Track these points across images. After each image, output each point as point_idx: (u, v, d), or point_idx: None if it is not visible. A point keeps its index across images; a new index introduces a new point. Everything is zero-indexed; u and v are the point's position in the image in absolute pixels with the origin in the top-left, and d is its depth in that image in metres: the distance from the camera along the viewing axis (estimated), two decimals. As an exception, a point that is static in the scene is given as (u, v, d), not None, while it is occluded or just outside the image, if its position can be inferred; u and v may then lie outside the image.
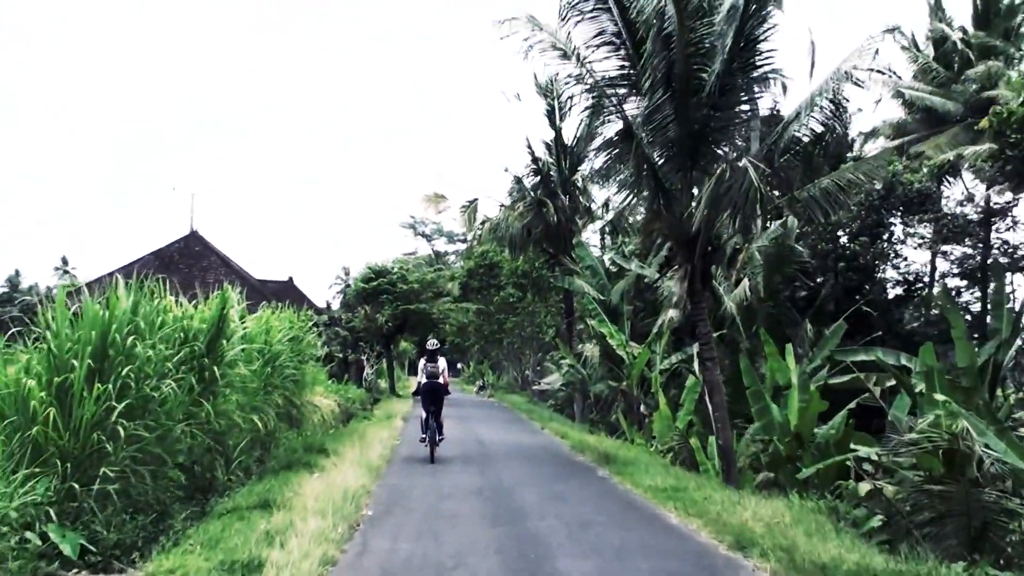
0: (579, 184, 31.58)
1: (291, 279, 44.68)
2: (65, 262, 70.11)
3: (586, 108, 16.44)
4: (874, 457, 12.56)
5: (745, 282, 20.83)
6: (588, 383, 28.04)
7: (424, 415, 14.89)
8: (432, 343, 15.59)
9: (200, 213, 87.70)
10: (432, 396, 14.88)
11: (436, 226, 77.57)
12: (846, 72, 13.28)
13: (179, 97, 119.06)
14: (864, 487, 11.75)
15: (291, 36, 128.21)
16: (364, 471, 12.06)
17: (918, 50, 28.78)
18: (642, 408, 23.46)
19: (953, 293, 24.50)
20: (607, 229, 32.97)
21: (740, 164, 12.80)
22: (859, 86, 13.39)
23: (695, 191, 14.88)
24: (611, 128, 16.09)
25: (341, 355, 37.30)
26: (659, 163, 15.06)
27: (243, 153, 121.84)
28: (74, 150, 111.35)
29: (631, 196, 16.58)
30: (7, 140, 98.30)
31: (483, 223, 32.95)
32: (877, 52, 13.33)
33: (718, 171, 13.27)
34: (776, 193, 15.93)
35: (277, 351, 14.43)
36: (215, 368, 10.54)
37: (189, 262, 34.00)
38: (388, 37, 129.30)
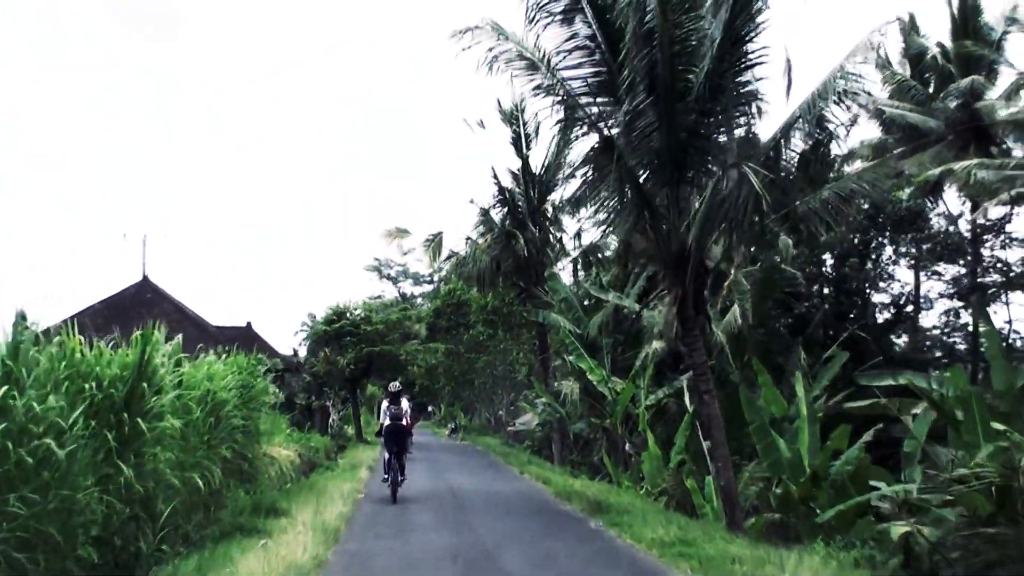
0: (549, 214, 30.23)
1: (249, 324, 42.58)
2: (23, 317, 67.20)
3: (558, 122, 15.07)
4: (905, 495, 11.12)
5: (735, 308, 19.42)
6: (567, 422, 26.43)
7: (387, 456, 15.28)
8: (394, 385, 16.18)
9: (154, 260, 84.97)
10: (395, 437, 15.29)
11: (402, 267, 75.54)
12: (849, 72, 12.09)
13: (129, 142, 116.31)
14: (898, 530, 10.25)
15: (245, 79, 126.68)
16: (319, 535, 10.28)
17: (891, 68, 27.97)
18: (627, 447, 21.89)
19: (951, 315, 23.41)
20: (579, 262, 31.51)
21: (738, 172, 11.52)
22: (866, 92, 12.23)
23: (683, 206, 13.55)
24: (585, 144, 14.78)
25: (304, 402, 35.45)
26: (642, 176, 13.69)
27: (199, 198, 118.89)
28: (23, 203, 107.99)
29: (611, 217, 15.17)
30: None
31: (448, 258, 31.36)
32: (879, 47, 12.17)
33: (714, 181, 11.94)
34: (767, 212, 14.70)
35: (222, 399, 12.79)
36: (138, 421, 8.88)
37: (141, 310, 32.07)
38: (346, 78, 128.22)
